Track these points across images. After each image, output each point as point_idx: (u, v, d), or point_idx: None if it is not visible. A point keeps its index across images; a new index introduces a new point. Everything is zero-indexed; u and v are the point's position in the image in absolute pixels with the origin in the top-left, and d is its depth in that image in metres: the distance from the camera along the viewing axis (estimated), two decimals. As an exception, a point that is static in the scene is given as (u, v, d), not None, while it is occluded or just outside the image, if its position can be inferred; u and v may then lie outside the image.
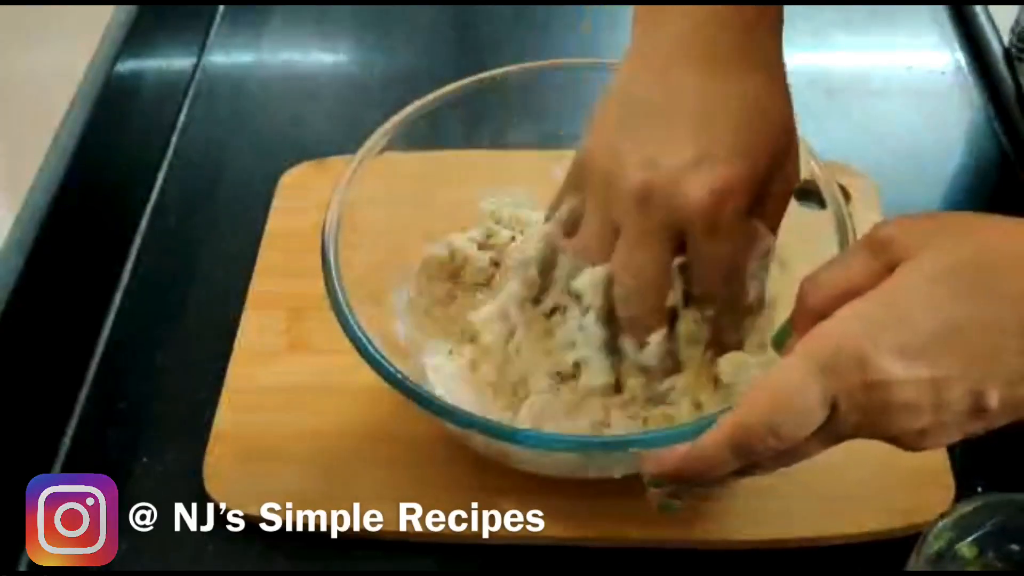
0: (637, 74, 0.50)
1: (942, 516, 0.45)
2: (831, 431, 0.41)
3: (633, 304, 0.51)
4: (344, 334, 0.52)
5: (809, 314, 0.43)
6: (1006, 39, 0.80)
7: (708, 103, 0.48)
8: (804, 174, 0.58)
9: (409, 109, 0.60)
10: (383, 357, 0.51)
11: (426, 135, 0.61)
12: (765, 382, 0.41)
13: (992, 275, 0.39)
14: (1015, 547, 0.45)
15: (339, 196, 0.57)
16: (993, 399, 0.40)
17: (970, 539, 0.44)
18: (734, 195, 0.48)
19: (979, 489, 0.56)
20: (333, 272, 0.54)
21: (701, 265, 0.50)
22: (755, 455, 0.41)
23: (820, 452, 0.43)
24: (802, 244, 0.59)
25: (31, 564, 0.56)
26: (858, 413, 0.40)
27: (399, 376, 0.50)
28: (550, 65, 0.64)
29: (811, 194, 0.60)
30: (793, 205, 0.60)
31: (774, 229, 0.51)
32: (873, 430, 0.42)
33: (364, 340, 0.51)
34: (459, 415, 0.50)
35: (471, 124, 0.63)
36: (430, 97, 0.61)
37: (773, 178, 0.50)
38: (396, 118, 0.60)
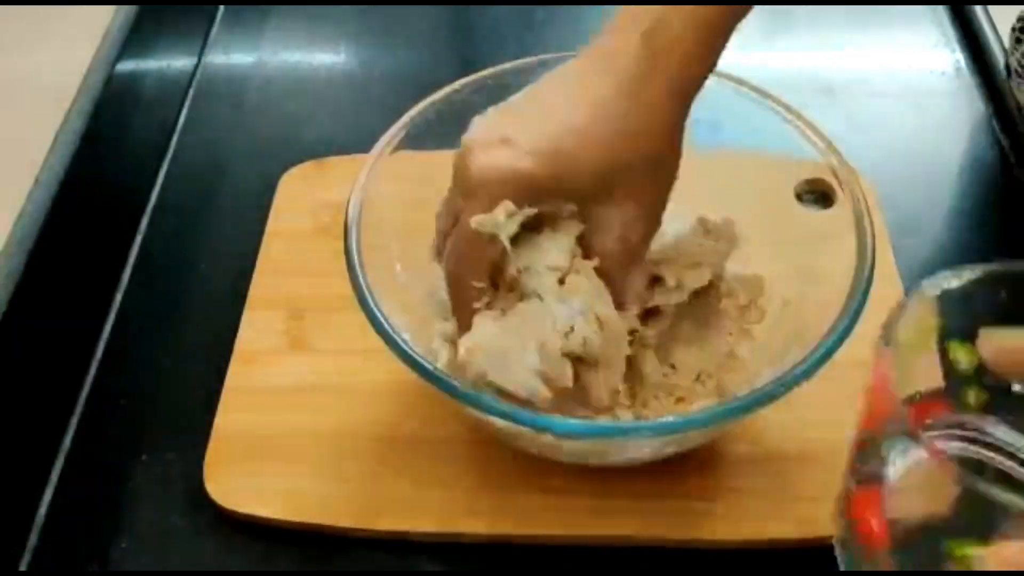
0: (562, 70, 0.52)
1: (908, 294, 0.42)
2: None
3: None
4: (373, 328, 0.51)
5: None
6: (1006, 39, 0.80)
7: (564, 101, 0.50)
8: (819, 171, 0.58)
9: (423, 104, 0.60)
10: (413, 350, 0.50)
11: (441, 132, 0.60)
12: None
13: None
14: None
15: (359, 192, 0.56)
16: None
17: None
18: (503, 184, 0.49)
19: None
20: (358, 268, 0.53)
21: (457, 229, 0.51)
22: None
23: None
24: (803, 246, 0.59)
25: (31, 564, 0.56)
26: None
27: (431, 368, 0.50)
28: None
29: (813, 195, 0.60)
30: (793, 206, 0.61)
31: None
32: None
33: (393, 334, 0.51)
34: (488, 404, 0.49)
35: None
36: (447, 89, 0.61)
37: (589, 208, 0.51)
38: (410, 113, 0.60)
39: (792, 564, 0.55)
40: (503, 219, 0.50)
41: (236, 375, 0.61)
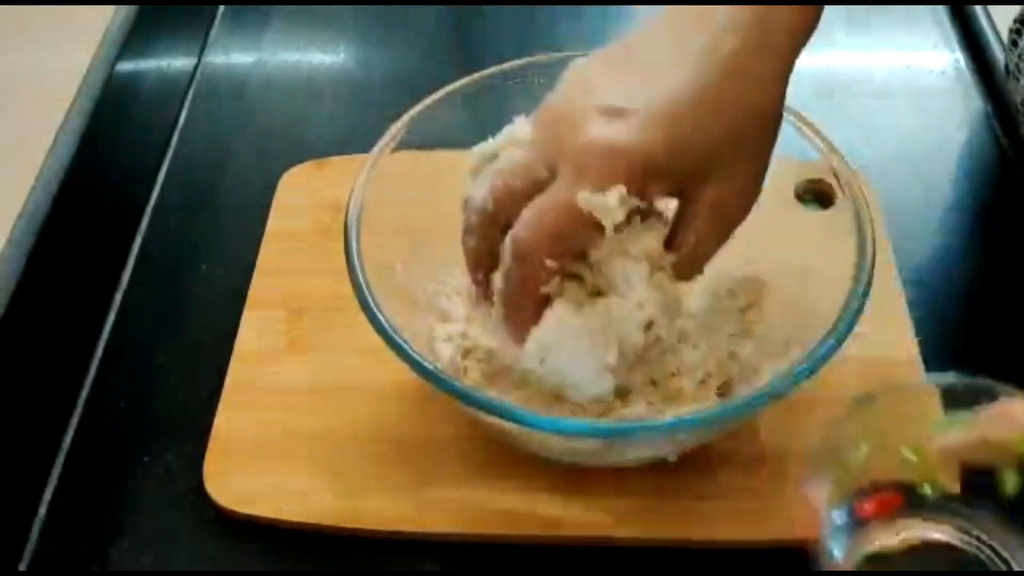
0: (648, 27, 0.49)
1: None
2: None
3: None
4: (373, 328, 0.51)
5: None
6: (1006, 40, 0.80)
7: (679, 61, 0.46)
8: (819, 171, 0.58)
9: (423, 104, 0.60)
10: (413, 350, 0.50)
11: (439, 131, 0.60)
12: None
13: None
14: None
15: (359, 192, 0.56)
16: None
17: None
18: (618, 161, 0.45)
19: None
20: (358, 268, 0.53)
21: (544, 201, 0.47)
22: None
23: None
24: (803, 246, 0.59)
25: (31, 564, 0.56)
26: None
27: (434, 370, 0.50)
28: (579, 56, 0.64)
29: (813, 195, 0.60)
30: (794, 206, 0.61)
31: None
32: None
33: (393, 334, 0.51)
34: (489, 403, 0.49)
35: (490, 120, 0.63)
36: (447, 89, 0.61)
37: (685, 185, 0.48)
38: (410, 113, 0.60)
39: (793, 564, 0.54)
40: (615, 204, 0.46)
41: (236, 375, 0.61)
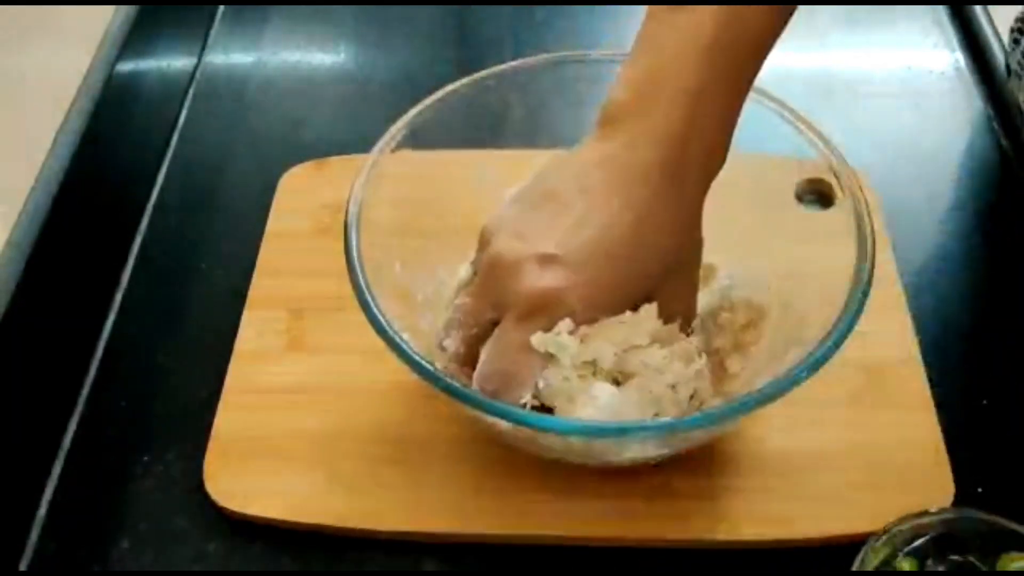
0: (567, 158, 0.53)
1: (879, 533, 0.47)
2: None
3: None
4: (373, 329, 0.51)
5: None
6: (1006, 39, 0.80)
7: (600, 209, 0.50)
8: (819, 171, 0.58)
9: (423, 104, 0.60)
10: (412, 350, 0.50)
11: (441, 133, 0.60)
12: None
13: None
14: (955, 557, 0.47)
15: (359, 192, 0.56)
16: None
17: (906, 551, 0.47)
18: (558, 305, 0.50)
19: (979, 490, 0.56)
20: (357, 268, 0.53)
21: (497, 345, 0.51)
22: None
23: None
24: (803, 246, 0.59)
25: (31, 564, 0.56)
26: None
27: (434, 371, 0.50)
28: (573, 56, 0.64)
29: (813, 195, 0.60)
30: (793, 206, 0.61)
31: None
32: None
33: (392, 334, 0.51)
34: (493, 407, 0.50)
35: (490, 120, 0.63)
36: (447, 89, 0.61)
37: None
38: (410, 114, 0.60)
39: (792, 564, 0.55)
40: (567, 340, 0.50)
41: (236, 375, 0.61)
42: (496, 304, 0.52)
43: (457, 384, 0.49)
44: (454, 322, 0.54)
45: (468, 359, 0.53)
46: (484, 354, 0.52)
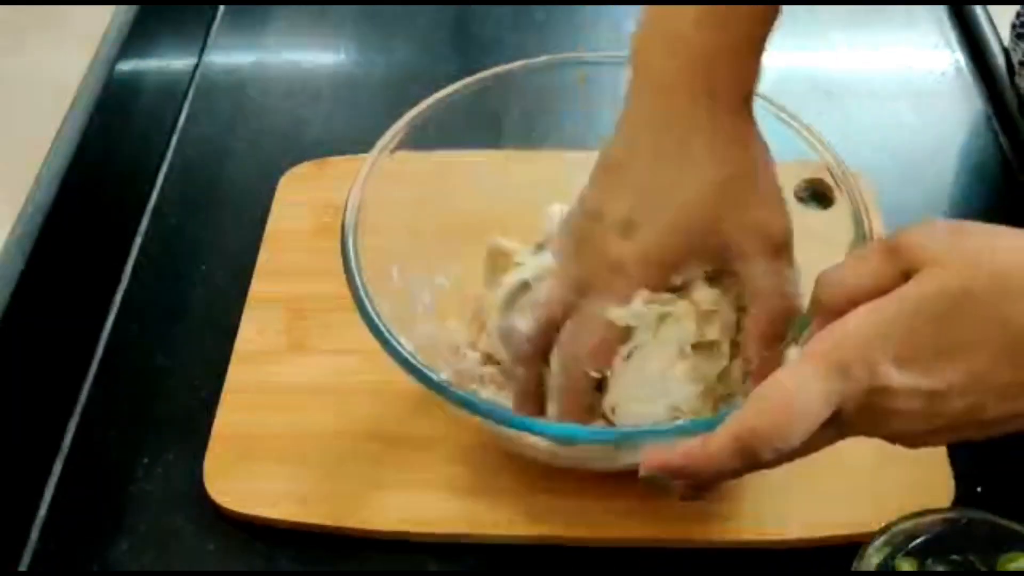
0: (631, 130, 0.53)
1: (879, 532, 0.46)
2: (834, 431, 0.43)
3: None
4: (372, 335, 0.51)
5: (824, 310, 0.44)
6: (1006, 38, 0.80)
7: (648, 161, 0.51)
8: (818, 171, 0.58)
9: (423, 105, 0.60)
10: (411, 356, 0.51)
11: (441, 133, 0.60)
12: (771, 386, 0.42)
13: (999, 302, 0.40)
14: (955, 557, 0.46)
15: (357, 192, 0.56)
16: (989, 412, 0.42)
17: (906, 551, 0.46)
18: (641, 270, 0.51)
19: (979, 489, 0.56)
20: (355, 270, 0.53)
21: (579, 321, 0.52)
22: (758, 458, 0.42)
23: (824, 447, 0.44)
24: (803, 246, 0.59)
25: (31, 564, 0.56)
26: (860, 415, 0.42)
27: (434, 378, 0.50)
28: (579, 57, 0.64)
29: (813, 195, 0.60)
30: (794, 206, 0.61)
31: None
32: (873, 431, 0.43)
33: (390, 338, 0.51)
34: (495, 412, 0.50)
35: (490, 120, 0.63)
36: (447, 90, 0.61)
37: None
38: (410, 114, 0.60)
39: (792, 564, 0.55)
40: (642, 308, 0.51)
41: (236, 375, 0.61)
42: (581, 285, 0.53)
43: (456, 391, 0.49)
44: (538, 313, 0.54)
45: (541, 344, 0.54)
46: (565, 332, 0.53)
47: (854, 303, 0.42)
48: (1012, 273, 0.41)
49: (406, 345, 0.51)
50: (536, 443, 0.52)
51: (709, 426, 0.50)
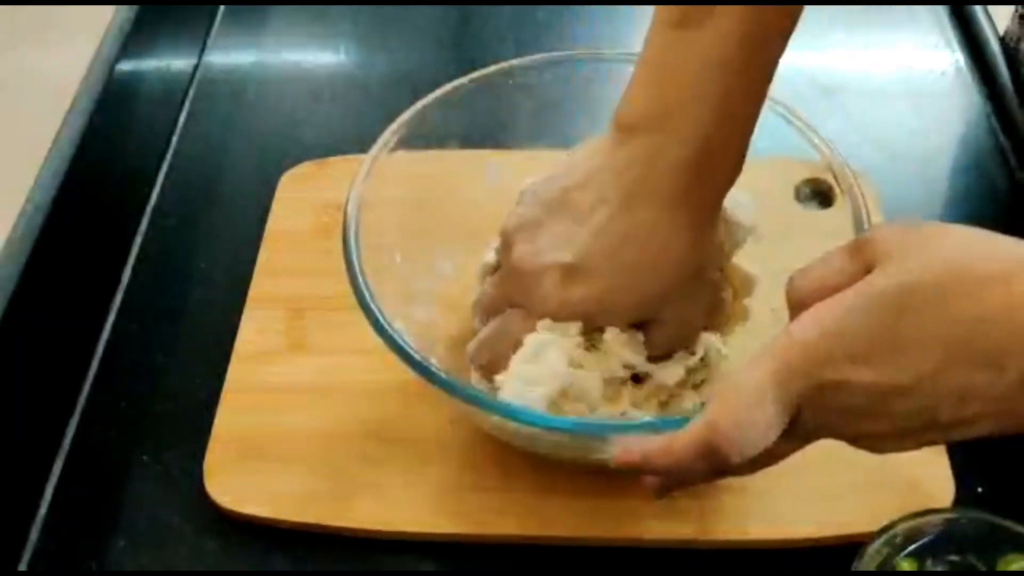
0: (584, 162, 0.52)
1: (879, 533, 0.46)
2: (796, 433, 0.43)
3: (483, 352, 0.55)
4: (372, 328, 0.52)
5: (792, 305, 0.45)
6: (1009, 22, 0.80)
7: (620, 219, 0.51)
8: (819, 171, 0.58)
9: (420, 104, 0.60)
10: (415, 350, 0.51)
11: (439, 131, 0.60)
12: (726, 391, 0.43)
13: (949, 298, 0.40)
14: (954, 558, 0.46)
15: (357, 192, 0.56)
16: (943, 414, 0.41)
17: (906, 552, 0.46)
18: (574, 315, 0.51)
19: (979, 489, 0.56)
20: (356, 266, 0.54)
21: (502, 326, 0.54)
22: (725, 460, 0.42)
23: (791, 453, 0.45)
24: (803, 246, 0.59)
25: (31, 563, 0.56)
26: (816, 414, 0.42)
27: (434, 370, 0.50)
28: (579, 55, 0.64)
29: (813, 195, 0.60)
30: (793, 206, 0.61)
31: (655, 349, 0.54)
32: (832, 431, 0.44)
33: (391, 331, 0.51)
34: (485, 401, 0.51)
35: (487, 119, 0.63)
36: (446, 88, 0.61)
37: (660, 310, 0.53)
38: (407, 115, 0.60)
39: (792, 565, 0.55)
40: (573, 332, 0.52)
41: (236, 375, 0.61)
42: (514, 305, 0.53)
43: (457, 383, 0.50)
44: (478, 305, 0.56)
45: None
46: (487, 329, 0.54)
47: (818, 298, 0.43)
48: (960, 271, 0.41)
49: (401, 332, 0.51)
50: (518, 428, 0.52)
51: (676, 424, 0.50)
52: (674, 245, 0.51)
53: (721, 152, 0.50)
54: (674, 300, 0.52)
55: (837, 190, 0.57)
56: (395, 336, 0.51)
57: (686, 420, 0.49)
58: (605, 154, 0.52)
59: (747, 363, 0.43)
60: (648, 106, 0.51)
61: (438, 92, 0.61)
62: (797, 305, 0.44)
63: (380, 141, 0.59)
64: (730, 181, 0.52)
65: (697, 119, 0.49)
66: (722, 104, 0.49)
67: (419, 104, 0.60)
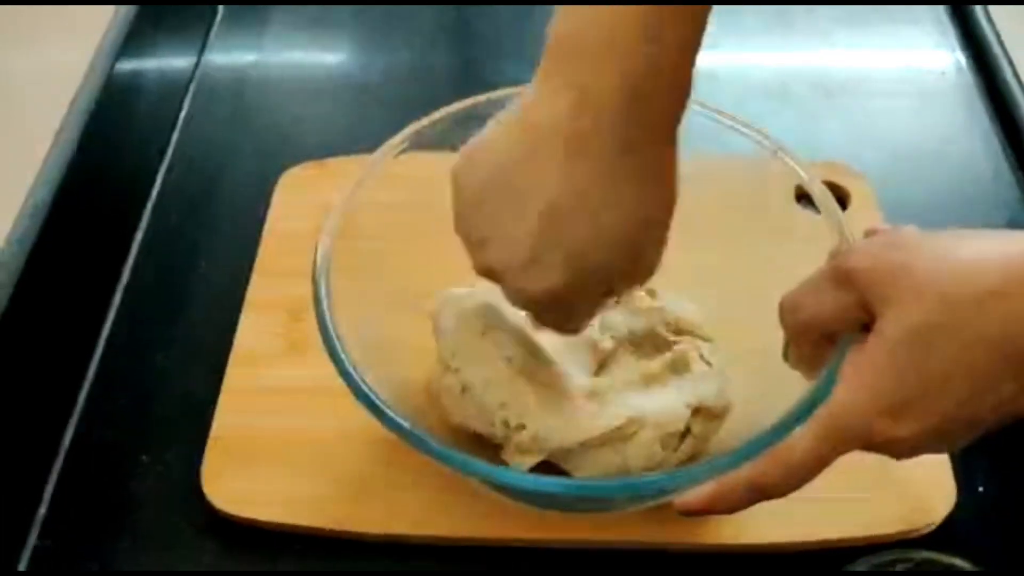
0: (513, 142, 0.47)
1: (854, 562, 0.49)
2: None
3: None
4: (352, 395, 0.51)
5: (789, 334, 0.49)
6: (1007, 37, 0.80)
7: (561, 200, 0.45)
8: (797, 184, 0.58)
9: (425, 121, 0.58)
10: (378, 398, 0.50)
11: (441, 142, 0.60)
12: (780, 455, 0.47)
13: (956, 328, 0.44)
14: None
15: (329, 227, 0.57)
16: (985, 424, 0.45)
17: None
18: (557, 301, 0.48)
19: (980, 489, 0.56)
20: (326, 308, 0.53)
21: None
22: (766, 498, 0.49)
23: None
24: (802, 246, 0.59)
25: (31, 563, 0.56)
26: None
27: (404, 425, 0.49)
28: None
29: (810, 198, 0.60)
30: (794, 207, 0.61)
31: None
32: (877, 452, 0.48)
33: (366, 389, 0.51)
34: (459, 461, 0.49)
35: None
36: (446, 111, 0.59)
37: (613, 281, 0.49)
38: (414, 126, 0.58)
39: (792, 566, 0.55)
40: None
41: (235, 377, 0.61)
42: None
43: (433, 443, 0.49)
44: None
45: None
46: None
47: (816, 330, 0.48)
48: (956, 297, 0.44)
49: (374, 388, 0.50)
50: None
51: (708, 473, 0.49)
52: (620, 204, 0.45)
53: (661, 78, 0.44)
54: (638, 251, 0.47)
55: (816, 199, 0.57)
56: (371, 395, 0.50)
57: (681, 475, 0.50)
58: (532, 108, 0.46)
59: (796, 433, 0.46)
60: (577, 33, 0.47)
61: (441, 111, 0.58)
62: (793, 332, 0.49)
63: (377, 153, 0.58)
64: (679, 111, 0.45)
65: (627, 41, 0.43)
66: (659, 26, 0.43)
67: (416, 124, 0.58)
